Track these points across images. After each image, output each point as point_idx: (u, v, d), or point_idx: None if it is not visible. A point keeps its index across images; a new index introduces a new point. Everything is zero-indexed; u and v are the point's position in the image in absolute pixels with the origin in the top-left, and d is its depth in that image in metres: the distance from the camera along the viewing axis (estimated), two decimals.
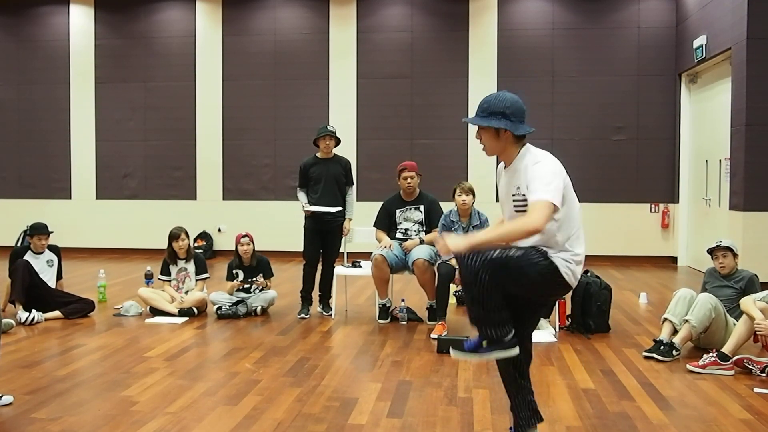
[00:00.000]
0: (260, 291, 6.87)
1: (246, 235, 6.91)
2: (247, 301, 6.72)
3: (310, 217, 6.81)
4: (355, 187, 7.06)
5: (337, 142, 6.89)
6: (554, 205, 2.87)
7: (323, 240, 6.87)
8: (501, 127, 3.03)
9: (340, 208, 6.76)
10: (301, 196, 6.89)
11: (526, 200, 2.95)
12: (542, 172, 2.92)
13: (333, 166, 6.85)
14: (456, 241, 2.92)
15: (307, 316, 6.90)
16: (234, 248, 6.98)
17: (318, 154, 6.91)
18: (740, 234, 8.21)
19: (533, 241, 2.99)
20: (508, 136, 3.04)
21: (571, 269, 3.03)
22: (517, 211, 3.02)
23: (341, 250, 7.28)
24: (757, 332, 4.83)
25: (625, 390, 4.48)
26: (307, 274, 6.92)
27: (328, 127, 6.86)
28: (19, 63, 12.11)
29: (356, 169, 11.33)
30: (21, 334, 6.01)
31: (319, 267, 6.97)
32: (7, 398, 4.16)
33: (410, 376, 4.80)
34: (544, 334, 5.90)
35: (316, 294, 6.98)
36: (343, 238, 6.98)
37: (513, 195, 3.05)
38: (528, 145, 3.10)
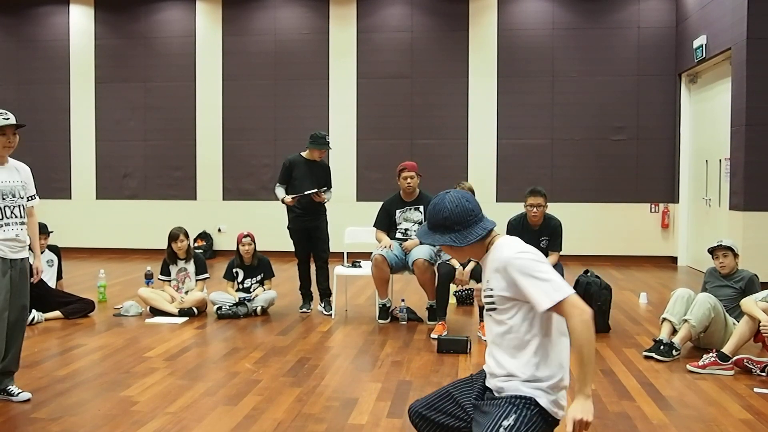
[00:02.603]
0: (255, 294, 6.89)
1: (248, 235, 6.92)
2: (246, 302, 6.72)
3: (294, 216, 6.91)
4: (333, 189, 7.12)
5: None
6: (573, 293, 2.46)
7: (309, 237, 6.95)
8: (447, 244, 2.64)
9: (316, 190, 6.77)
10: (280, 192, 6.94)
11: (494, 297, 2.60)
12: (530, 270, 2.48)
13: (317, 169, 6.93)
14: (587, 410, 2.56)
15: (309, 310, 6.96)
16: (234, 248, 6.99)
17: (304, 154, 6.95)
18: (740, 234, 8.21)
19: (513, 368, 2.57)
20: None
21: (552, 400, 2.57)
22: (487, 309, 2.66)
23: (341, 250, 7.30)
24: (764, 333, 4.83)
25: (625, 390, 4.48)
26: (301, 272, 7.08)
27: (328, 138, 6.93)
28: (19, 63, 12.11)
29: (356, 169, 11.39)
30: None
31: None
32: (25, 395, 4.21)
33: (410, 376, 4.80)
34: None
35: (315, 289, 7.06)
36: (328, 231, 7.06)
37: (484, 290, 2.69)
38: (499, 239, 2.66)
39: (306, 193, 6.75)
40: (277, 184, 7.00)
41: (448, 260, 6.09)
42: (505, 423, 2.50)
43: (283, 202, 6.88)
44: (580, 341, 2.43)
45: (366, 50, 11.44)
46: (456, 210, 2.63)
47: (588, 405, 2.49)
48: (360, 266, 6.87)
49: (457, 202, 2.64)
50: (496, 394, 2.64)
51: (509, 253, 2.54)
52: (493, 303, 2.62)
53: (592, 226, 10.85)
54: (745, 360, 4.85)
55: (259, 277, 6.97)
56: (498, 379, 2.64)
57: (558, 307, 2.44)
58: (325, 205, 7.02)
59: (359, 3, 11.43)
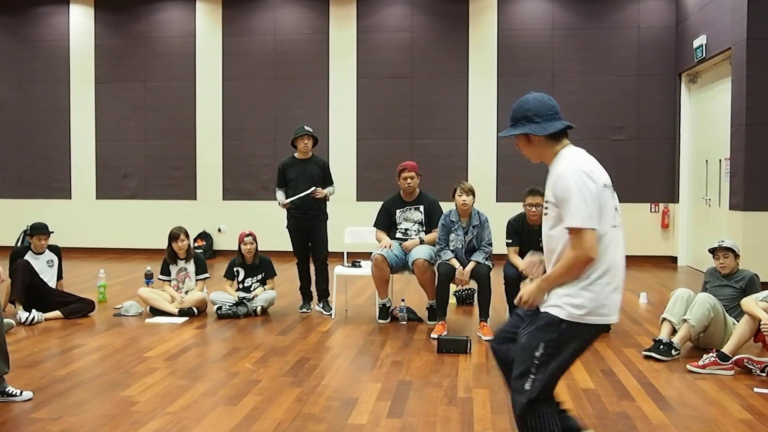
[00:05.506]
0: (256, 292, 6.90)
1: (249, 234, 6.92)
2: (246, 302, 6.72)
3: (292, 217, 6.92)
4: (335, 186, 7.14)
5: (315, 142, 7.02)
6: (593, 230, 2.66)
7: (307, 238, 6.96)
8: (526, 133, 2.87)
9: (313, 188, 6.78)
10: (279, 195, 6.98)
11: (548, 203, 2.82)
12: (567, 192, 2.70)
13: (311, 167, 6.94)
14: (529, 291, 2.84)
15: (309, 310, 6.96)
16: (236, 247, 7.00)
17: (296, 155, 7.00)
18: (740, 234, 8.21)
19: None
20: (539, 139, 2.86)
21: (576, 304, 2.74)
22: (544, 215, 2.89)
23: (341, 250, 7.31)
24: (764, 332, 4.83)
25: (625, 390, 4.48)
26: (301, 272, 7.09)
27: (306, 127, 6.96)
28: (19, 63, 12.11)
29: (356, 169, 11.39)
30: (21, 334, 6.01)
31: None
32: (27, 394, 4.22)
33: (410, 376, 4.80)
34: None
35: (315, 289, 7.07)
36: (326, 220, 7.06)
37: (546, 194, 2.89)
38: (566, 148, 2.87)
39: (300, 195, 6.75)
40: (277, 189, 7.03)
41: (447, 260, 6.09)
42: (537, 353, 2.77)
43: (280, 205, 6.91)
44: (564, 266, 2.71)
45: (366, 50, 11.44)
46: (539, 104, 2.91)
47: (532, 288, 2.83)
48: (360, 266, 6.87)
49: (540, 97, 2.93)
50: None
51: (565, 170, 2.75)
52: (547, 210, 2.84)
53: None
54: (745, 360, 4.84)
55: (259, 277, 6.97)
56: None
57: (571, 231, 2.69)
58: (326, 204, 7.02)
59: (359, 3, 11.42)
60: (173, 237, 6.90)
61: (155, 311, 6.70)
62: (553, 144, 2.87)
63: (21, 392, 4.21)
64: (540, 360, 2.75)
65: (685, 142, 10.84)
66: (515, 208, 6.45)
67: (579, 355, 2.86)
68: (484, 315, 5.99)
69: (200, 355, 5.36)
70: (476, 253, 6.15)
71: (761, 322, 4.81)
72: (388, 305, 6.59)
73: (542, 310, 2.81)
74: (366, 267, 6.72)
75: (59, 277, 7.05)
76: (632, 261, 10.77)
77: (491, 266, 6.19)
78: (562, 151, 2.85)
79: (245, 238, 6.89)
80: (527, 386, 2.76)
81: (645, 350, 5.30)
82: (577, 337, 2.78)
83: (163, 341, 5.75)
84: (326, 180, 7.00)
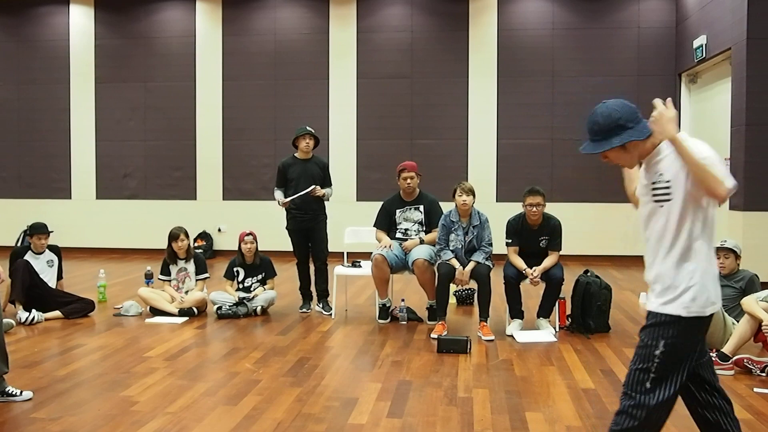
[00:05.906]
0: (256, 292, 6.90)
1: (250, 233, 6.93)
2: (246, 302, 6.72)
3: (292, 217, 6.93)
4: (333, 188, 7.15)
5: (316, 142, 7.02)
6: (730, 188, 2.58)
7: (307, 238, 6.97)
8: (627, 142, 2.75)
9: (313, 186, 6.79)
10: (278, 194, 6.99)
11: (668, 187, 2.70)
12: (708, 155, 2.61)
13: (311, 167, 6.95)
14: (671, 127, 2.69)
15: (309, 310, 6.97)
16: (236, 247, 7.00)
17: (296, 155, 7.01)
18: (740, 234, 8.20)
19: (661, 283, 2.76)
20: (635, 143, 2.78)
21: (692, 297, 2.71)
22: (656, 201, 2.76)
23: (341, 250, 7.31)
24: (765, 332, 4.82)
25: None
26: (300, 272, 7.10)
27: (308, 127, 6.98)
28: (19, 63, 12.11)
29: (356, 169, 11.38)
30: (21, 334, 6.01)
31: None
32: (27, 394, 4.23)
33: (410, 376, 4.80)
34: (544, 334, 5.91)
35: (314, 289, 7.08)
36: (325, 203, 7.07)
37: (653, 183, 2.77)
38: (665, 142, 2.79)
39: (300, 193, 6.76)
40: (275, 189, 7.04)
41: (447, 260, 6.09)
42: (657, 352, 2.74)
43: (280, 204, 6.92)
44: (709, 170, 2.54)
45: (366, 50, 11.44)
46: (625, 108, 2.81)
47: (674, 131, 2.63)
48: (360, 266, 6.87)
49: (621, 103, 2.83)
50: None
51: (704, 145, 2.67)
52: (666, 191, 2.71)
53: (592, 226, 10.85)
54: (745, 360, 4.85)
55: (260, 277, 6.97)
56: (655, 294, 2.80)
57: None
58: (325, 204, 7.03)
59: (359, 3, 11.43)
60: (173, 237, 6.90)
61: (155, 311, 6.71)
62: (646, 140, 2.80)
63: (21, 392, 4.21)
64: (660, 358, 2.74)
65: None
66: (515, 208, 6.45)
67: (695, 350, 2.82)
68: (484, 315, 5.99)
69: (200, 355, 5.36)
70: (476, 253, 6.15)
71: (762, 323, 4.81)
72: (388, 305, 6.59)
73: (658, 311, 2.77)
74: (366, 267, 6.72)
75: (59, 277, 7.05)
76: (633, 261, 10.87)
77: (491, 266, 6.20)
78: (664, 144, 2.77)
79: (246, 237, 6.90)
80: (649, 384, 2.78)
81: None
82: (695, 332, 2.76)
83: (163, 341, 5.75)
84: (326, 181, 7.01)
